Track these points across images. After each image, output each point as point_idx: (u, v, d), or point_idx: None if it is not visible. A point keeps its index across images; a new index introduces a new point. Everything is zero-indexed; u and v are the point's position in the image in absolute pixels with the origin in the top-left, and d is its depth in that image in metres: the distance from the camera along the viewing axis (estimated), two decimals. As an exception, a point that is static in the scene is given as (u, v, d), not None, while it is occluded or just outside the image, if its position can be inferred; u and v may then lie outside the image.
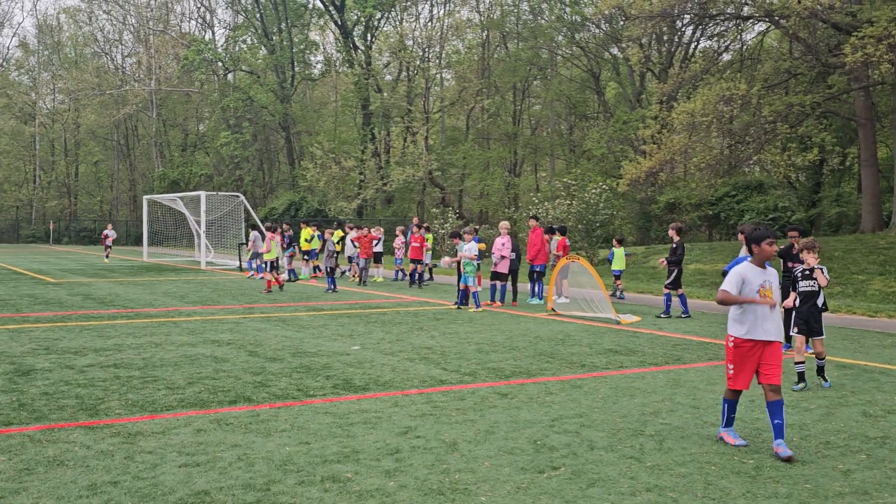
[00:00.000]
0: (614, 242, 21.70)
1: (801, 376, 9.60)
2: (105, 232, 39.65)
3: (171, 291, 21.86)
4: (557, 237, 20.42)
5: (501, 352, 12.03)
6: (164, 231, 49.15)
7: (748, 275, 7.02)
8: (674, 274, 16.96)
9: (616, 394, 9.12)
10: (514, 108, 55.42)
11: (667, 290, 17.13)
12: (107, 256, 38.63)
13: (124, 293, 21.17)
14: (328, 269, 22.61)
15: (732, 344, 7.07)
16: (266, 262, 22.43)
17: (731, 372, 7.10)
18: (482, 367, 10.68)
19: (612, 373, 10.45)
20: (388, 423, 7.73)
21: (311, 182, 49.31)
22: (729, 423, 7.22)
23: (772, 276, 7.08)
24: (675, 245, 17.11)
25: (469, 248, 18.05)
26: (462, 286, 18.27)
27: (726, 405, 7.19)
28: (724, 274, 13.89)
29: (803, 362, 9.66)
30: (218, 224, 36.74)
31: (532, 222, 20.44)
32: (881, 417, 8.16)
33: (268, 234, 23.01)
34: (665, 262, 17.29)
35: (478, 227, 32.88)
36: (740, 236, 19.72)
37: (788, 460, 6.56)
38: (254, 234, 29.91)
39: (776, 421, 6.80)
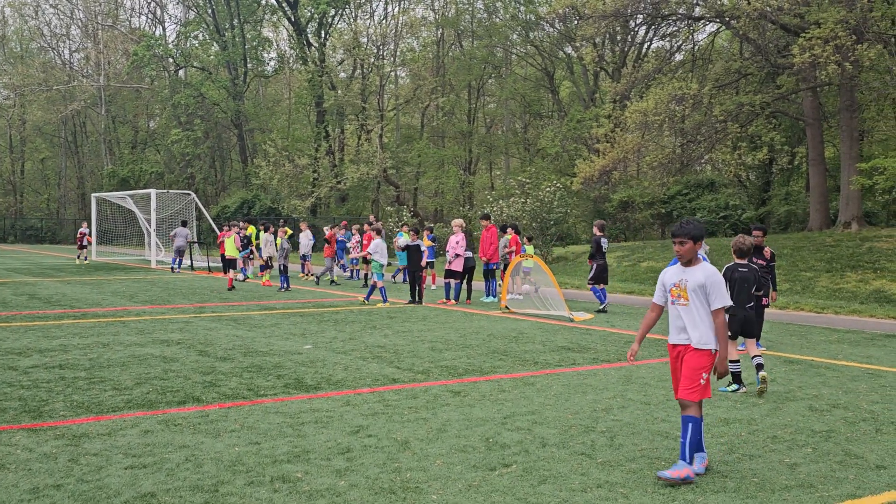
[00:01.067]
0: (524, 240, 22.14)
1: (736, 377, 9.23)
2: (82, 230, 35.49)
3: (119, 291, 21.49)
4: (509, 234, 20.47)
5: (455, 350, 12.01)
6: (114, 230, 48.34)
7: (665, 277, 6.46)
8: (593, 269, 17.87)
9: (568, 391, 9.16)
10: (468, 107, 55.47)
11: (590, 285, 18.00)
12: (82, 258, 35.02)
13: (71, 293, 20.76)
14: (281, 268, 22.42)
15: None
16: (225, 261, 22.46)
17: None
18: (435, 366, 10.65)
19: (564, 370, 10.48)
20: (339, 422, 7.66)
21: (264, 180, 48.85)
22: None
23: (692, 273, 6.27)
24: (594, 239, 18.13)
25: (374, 246, 18.68)
26: (372, 281, 18.97)
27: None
28: None
29: (738, 361, 9.23)
30: (169, 222, 36.21)
31: (484, 221, 20.46)
32: (826, 412, 8.29)
33: (220, 233, 22.79)
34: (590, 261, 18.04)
35: (433, 224, 32.85)
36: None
37: (685, 482, 5.92)
38: (177, 230, 29.89)
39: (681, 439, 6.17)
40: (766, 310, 12.34)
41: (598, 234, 18.12)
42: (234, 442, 6.95)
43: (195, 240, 34.43)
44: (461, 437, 7.15)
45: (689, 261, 6.34)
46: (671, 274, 6.44)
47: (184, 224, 31.64)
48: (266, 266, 24.76)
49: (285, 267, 22.40)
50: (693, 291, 6.24)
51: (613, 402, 8.57)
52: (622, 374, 10.16)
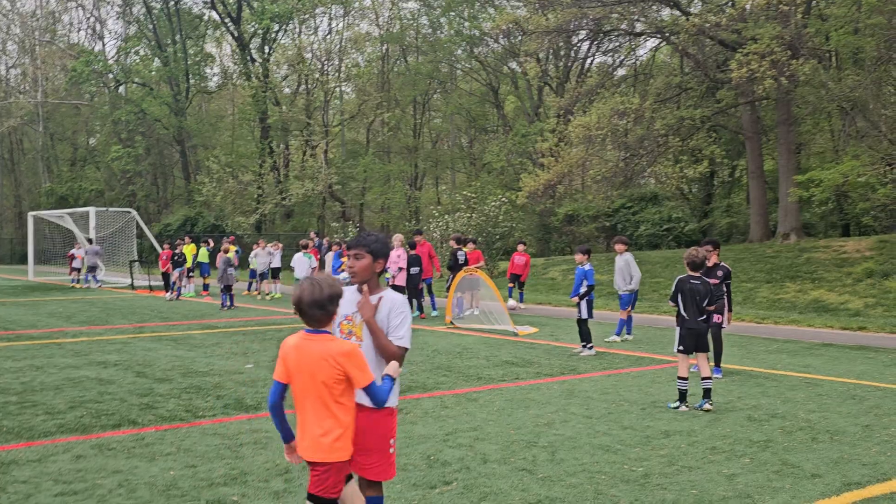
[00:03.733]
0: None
1: (682, 396, 9.07)
2: (73, 251, 33.13)
3: (56, 311, 20.98)
4: (471, 247, 20.53)
5: (399, 366, 11.91)
6: (52, 249, 47.24)
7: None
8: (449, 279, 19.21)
9: (511, 406, 9.13)
10: (414, 122, 55.51)
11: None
12: (76, 281, 32.26)
13: (6, 314, 20.20)
14: (224, 287, 22.07)
15: None
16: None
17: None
18: (378, 383, 10.53)
19: (507, 384, 10.47)
20: (278, 442, 7.51)
21: (207, 197, 48.21)
22: None
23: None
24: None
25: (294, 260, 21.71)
26: None
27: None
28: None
29: (686, 379, 9.11)
30: (109, 241, 35.50)
31: (418, 237, 20.42)
32: (765, 421, 8.39)
33: (161, 251, 22.40)
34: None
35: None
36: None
37: None
38: (88, 247, 29.83)
39: None
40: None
41: (455, 247, 19.78)
42: (169, 465, 6.78)
43: (136, 258, 33.80)
44: (402, 455, 7.07)
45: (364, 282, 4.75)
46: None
47: (90, 241, 32.02)
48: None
49: (228, 286, 22.04)
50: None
51: (556, 417, 8.57)
52: (565, 388, 10.17)
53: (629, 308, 14.94)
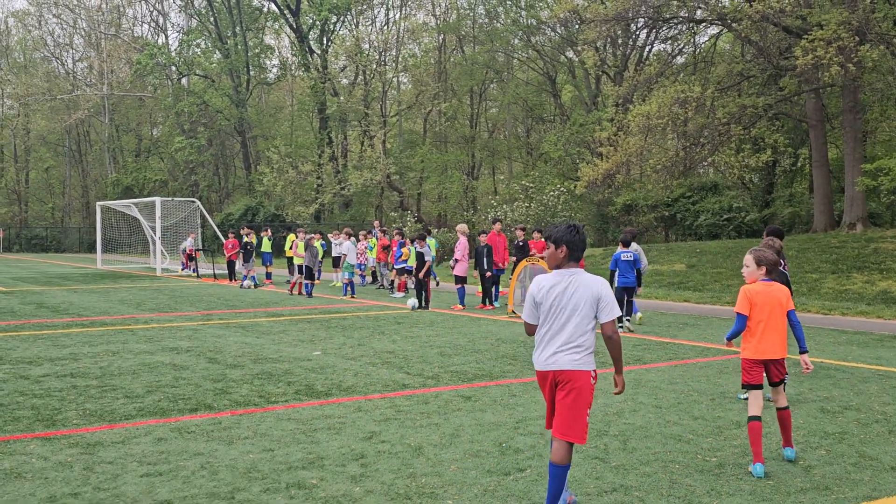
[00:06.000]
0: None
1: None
2: (186, 243, 32.47)
3: (126, 299, 21.53)
4: (537, 237, 20.52)
5: (464, 355, 12.03)
6: (119, 238, 48.41)
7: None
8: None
9: (579, 395, 9.15)
10: (471, 112, 55.51)
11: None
12: (194, 271, 31.72)
13: (79, 301, 20.80)
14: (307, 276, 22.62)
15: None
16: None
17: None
18: (445, 371, 10.66)
19: (574, 374, 10.47)
20: (352, 428, 7.67)
21: (267, 187, 48.92)
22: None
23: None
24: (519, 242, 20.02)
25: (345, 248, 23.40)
26: (345, 279, 22.93)
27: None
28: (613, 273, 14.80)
29: None
30: (173, 230, 36.27)
31: (496, 225, 20.59)
32: (838, 413, 8.29)
33: (226, 241, 22.86)
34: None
35: (434, 229, 32.89)
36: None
37: None
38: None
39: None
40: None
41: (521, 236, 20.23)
42: (248, 449, 6.97)
43: (200, 247, 34.45)
44: (474, 442, 7.16)
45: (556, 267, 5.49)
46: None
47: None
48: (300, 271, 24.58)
49: (312, 275, 22.52)
50: None
51: (625, 406, 8.58)
52: (632, 378, 10.16)
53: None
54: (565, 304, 5.31)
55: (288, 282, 27.50)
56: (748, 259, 6.61)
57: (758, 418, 6.31)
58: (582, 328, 5.31)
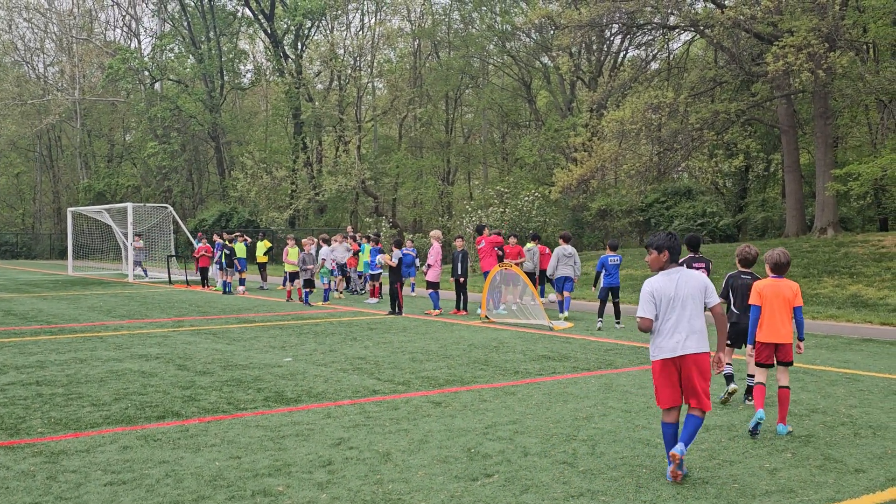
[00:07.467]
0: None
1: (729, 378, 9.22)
2: (198, 245, 28.42)
3: (96, 306, 21.31)
4: (513, 242, 20.49)
5: (435, 360, 12.00)
6: (90, 244, 47.93)
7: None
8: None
9: (549, 400, 9.17)
10: (446, 117, 55.57)
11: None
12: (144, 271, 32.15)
13: (48, 308, 20.57)
14: (304, 281, 22.19)
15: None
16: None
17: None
18: (416, 377, 10.63)
19: (545, 379, 10.50)
20: (320, 434, 7.63)
21: (241, 192, 48.66)
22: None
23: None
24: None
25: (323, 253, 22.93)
26: (324, 285, 22.64)
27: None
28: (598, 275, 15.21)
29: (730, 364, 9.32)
30: (146, 236, 35.95)
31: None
32: (805, 416, 8.35)
33: (199, 246, 22.65)
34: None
35: (411, 236, 32.86)
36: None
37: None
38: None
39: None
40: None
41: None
42: (214, 456, 6.90)
43: (172, 253, 34.19)
44: (443, 447, 7.14)
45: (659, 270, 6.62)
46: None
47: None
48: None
49: (311, 281, 22.11)
50: None
51: (594, 411, 8.59)
52: (602, 383, 10.18)
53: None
54: (682, 296, 6.35)
55: (261, 288, 27.38)
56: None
57: (761, 383, 7.80)
58: (698, 313, 6.36)
